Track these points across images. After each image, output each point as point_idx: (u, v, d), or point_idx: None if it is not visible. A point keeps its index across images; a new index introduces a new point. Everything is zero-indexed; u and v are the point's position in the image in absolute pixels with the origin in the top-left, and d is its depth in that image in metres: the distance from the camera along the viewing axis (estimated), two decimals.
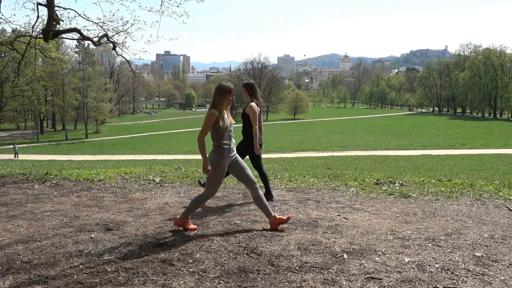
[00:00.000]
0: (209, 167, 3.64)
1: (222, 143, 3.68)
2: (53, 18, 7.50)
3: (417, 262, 3.04)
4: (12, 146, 34.44)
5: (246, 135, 4.90)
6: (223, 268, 2.98)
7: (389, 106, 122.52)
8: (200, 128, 3.63)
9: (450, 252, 3.28)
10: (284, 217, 3.88)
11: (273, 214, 3.87)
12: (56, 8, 7.69)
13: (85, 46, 58.54)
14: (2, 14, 8.80)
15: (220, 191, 5.88)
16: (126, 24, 8.90)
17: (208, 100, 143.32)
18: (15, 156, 30.46)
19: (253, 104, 4.80)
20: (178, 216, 3.94)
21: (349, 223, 4.14)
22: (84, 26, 9.08)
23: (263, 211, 3.88)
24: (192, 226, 3.95)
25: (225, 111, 3.70)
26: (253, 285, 2.70)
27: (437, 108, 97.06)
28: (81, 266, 3.04)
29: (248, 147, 4.90)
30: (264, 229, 3.90)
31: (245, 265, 3.02)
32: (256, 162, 5.06)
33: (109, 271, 2.94)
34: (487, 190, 5.96)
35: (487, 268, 2.95)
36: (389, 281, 2.72)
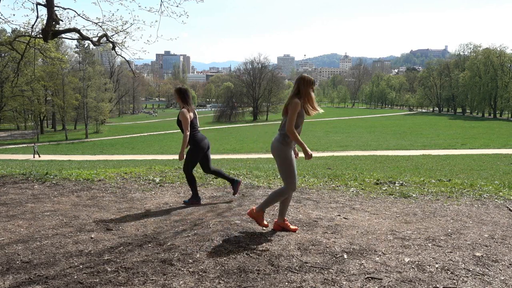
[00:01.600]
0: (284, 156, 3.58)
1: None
2: (52, 18, 7.50)
3: (417, 262, 3.05)
4: (32, 145, 34.87)
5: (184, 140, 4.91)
6: (223, 268, 2.98)
7: (389, 106, 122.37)
8: (288, 120, 3.52)
9: (450, 252, 3.28)
10: (292, 227, 3.86)
11: (285, 217, 3.87)
12: (55, 8, 7.69)
13: (85, 46, 58.56)
14: (2, 14, 8.79)
15: (219, 191, 5.89)
16: (125, 24, 8.91)
17: (207, 100, 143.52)
18: (34, 156, 30.26)
19: (184, 110, 4.82)
20: (254, 207, 3.83)
21: (349, 223, 4.14)
22: (84, 26, 9.09)
23: (281, 209, 3.85)
24: (265, 222, 3.82)
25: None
26: (253, 285, 2.70)
27: (437, 108, 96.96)
28: (81, 266, 3.04)
29: (190, 150, 4.93)
30: (263, 229, 3.90)
31: (245, 265, 3.02)
32: (204, 163, 5.07)
33: (109, 271, 2.94)
34: (487, 190, 5.96)
35: (487, 268, 2.95)
36: (389, 281, 2.72)
